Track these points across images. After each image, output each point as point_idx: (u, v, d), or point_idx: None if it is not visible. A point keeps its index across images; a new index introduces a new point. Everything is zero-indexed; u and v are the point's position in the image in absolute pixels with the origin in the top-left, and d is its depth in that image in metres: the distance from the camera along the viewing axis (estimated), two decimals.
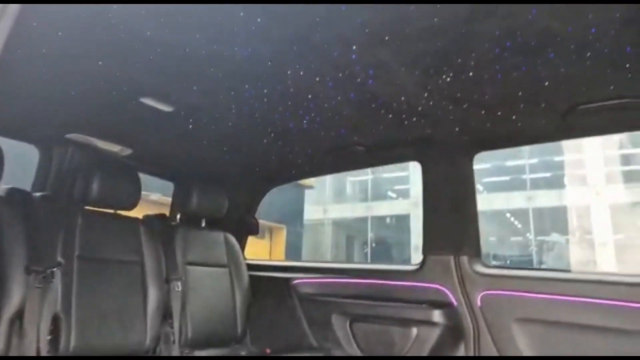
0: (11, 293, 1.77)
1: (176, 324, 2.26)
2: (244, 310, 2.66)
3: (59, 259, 1.94)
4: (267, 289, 2.74)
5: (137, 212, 2.42)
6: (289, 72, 1.74)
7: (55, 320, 1.86)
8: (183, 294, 2.34)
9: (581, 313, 1.87)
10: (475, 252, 2.21)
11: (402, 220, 21.22)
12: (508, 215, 20.88)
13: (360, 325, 2.37)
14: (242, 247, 2.94)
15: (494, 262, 16.16)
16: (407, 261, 19.08)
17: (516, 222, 21.24)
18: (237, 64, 1.68)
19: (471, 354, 2.11)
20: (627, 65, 1.55)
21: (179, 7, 1.37)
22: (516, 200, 19.81)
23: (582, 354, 1.84)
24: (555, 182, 19.91)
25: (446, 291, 2.21)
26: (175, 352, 2.23)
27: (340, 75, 1.73)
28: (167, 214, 2.76)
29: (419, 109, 1.96)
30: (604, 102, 1.76)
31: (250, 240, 3.09)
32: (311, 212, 20.36)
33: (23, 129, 2.29)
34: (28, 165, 2.42)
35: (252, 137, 2.41)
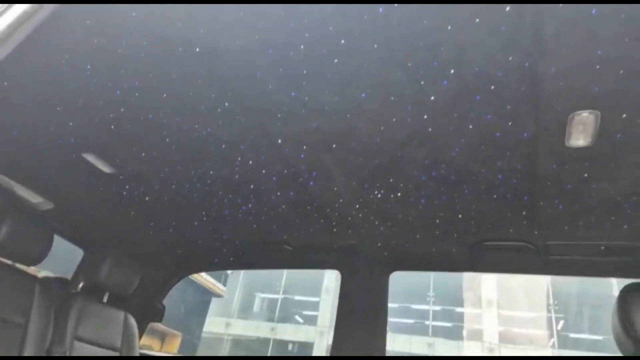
0: None
1: None
2: None
3: None
4: None
5: None
6: (239, 159, 1.86)
7: None
8: None
9: None
10: None
11: (305, 349, 20.36)
12: None
13: None
14: (141, 333, 2.71)
15: None
16: None
17: None
18: (192, 140, 1.78)
19: None
20: (524, 213, 1.85)
21: (145, 73, 1.49)
22: (417, 344, 20.01)
23: None
24: (456, 333, 20.57)
25: None
26: None
27: (286, 171, 1.88)
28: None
29: (349, 218, 2.13)
30: (505, 241, 2.03)
31: None
32: (213, 324, 19.05)
33: None
34: None
35: (184, 217, 2.41)
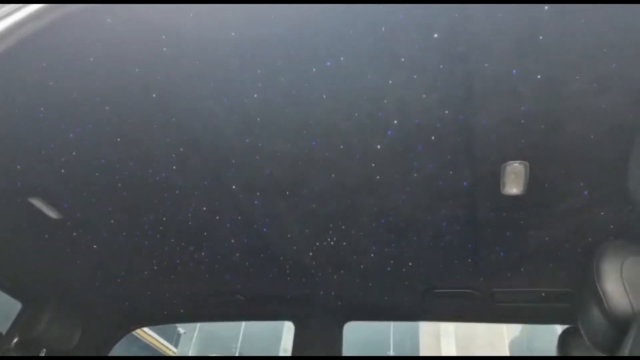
0: None
1: None
2: None
3: None
4: None
5: None
6: (192, 205, 1.86)
7: None
8: None
9: None
10: None
11: None
12: None
13: None
14: None
15: None
16: None
17: None
18: (145, 186, 1.78)
19: None
20: (469, 260, 1.93)
21: (99, 117, 1.50)
22: None
23: None
24: None
25: None
26: None
27: (240, 218, 1.89)
28: None
29: (303, 267, 2.14)
30: (453, 289, 2.09)
31: None
32: None
33: None
34: None
35: (133, 267, 2.34)
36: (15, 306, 2.55)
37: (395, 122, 1.37)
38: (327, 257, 2.05)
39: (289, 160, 1.59)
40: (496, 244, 1.79)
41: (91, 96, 1.43)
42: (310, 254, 2.05)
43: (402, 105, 1.31)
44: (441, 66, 1.20)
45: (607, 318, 1.06)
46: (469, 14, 1.07)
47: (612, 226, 1.61)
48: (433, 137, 1.41)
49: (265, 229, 1.93)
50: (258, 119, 1.44)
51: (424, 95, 1.28)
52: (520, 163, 1.42)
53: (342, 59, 1.22)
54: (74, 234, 2.11)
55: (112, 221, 2.02)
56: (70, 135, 1.58)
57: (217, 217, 1.91)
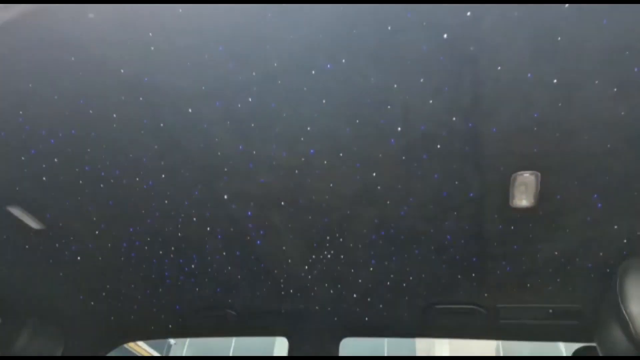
0: None
1: None
2: None
3: None
4: None
5: None
6: (182, 215, 1.76)
7: None
8: None
9: None
10: None
11: None
12: None
13: None
14: None
15: None
16: None
17: None
18: (132, 195, 1.68)
19: None
20: (473, 275, 1.84)
21: (83, 122, 1.41)
22: None
23: None
24: None
25: None
26: None
27: (232, 229, 1.80)
28: None
29: (298, 280, 2.03)
30: (456, 305, 1.99)
31: None
32: None
33: None
34: None
35: (119, 280, 2.23)
36: None
37: (399, 129, 1.29)
38: (323, 270, 1.95)
39: (285, 169, 1.49)
40: (503, 257, 1.70)
41: (74, 99, 1.34)
42: (306, 267, 1.95)
43: (406, 111, 1.23)
44: (450, 69, 1.12)
45: (634, 342, 0.97)
46: (482, 13, 0.99)
47: (625, 240, 1.53)
48: (439, 146, 1.32)
49: (259, 242, 1.84)
50: (252, 125, 1.35)
51: (431, 101, 1.20)
52: (531, 173, 1.33)
53: (343, 60, 1.13)
54: (57, 245, 2.00)
55: (96, 232, 1.92)
56: (52, 140, 1.48)
57: (208, 229, 1.81)
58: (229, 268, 2.04)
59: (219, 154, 1.46)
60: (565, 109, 1.15)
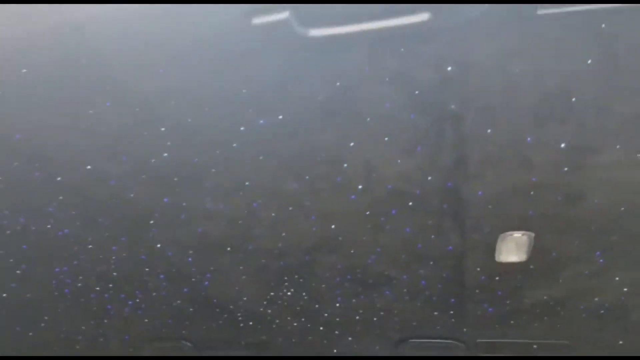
0: None
1: None
2: None
3: None
4: None
5: None
6: (113, 258, 1.50)
7: None
8: None
9: None
10: None
11: None
12: None
13: None
14: None
15: None
16: None
17: None
18: (49, 241, 1.41)
19: None
20: (451, 312, 1.63)
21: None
22: None
23: None
24: None
25: None
26: None
27: (174, 270, 1.54)
28: None
29: (257, 314, 1.81)
30: (432, 339, 1.80)
31: None
32: None
33: None
34: None
35: (56, 312, 1.97)
36: None
37: (360, 187, 1.01)
38: (284, 306, 1.72)
39: (225, 220, 1.22)
40: (484, 302, 1.49)
41: None
42: (265, 302, 1.71)
43: (367, 170, 0.95)
44: (424, 127, 0.83)
45: None
46: (469, 67, 0.70)
47: (626, 289, 1.32)
48: (411, 203, 1.06)
49: (206, 283, 1.59)
50: (175, 179, 1.06)
51: (399, 160, 0.92)
52: (524, 234, 1.09)
53: (280, 117, 0.84)
54: None
55: (17, 272, 1.64)
56: None
57: (147, 269, 1.55)
58: (179, 302, 1.80)
59: (140, 207, 1.17)
60: (573, 173, 0.89)
